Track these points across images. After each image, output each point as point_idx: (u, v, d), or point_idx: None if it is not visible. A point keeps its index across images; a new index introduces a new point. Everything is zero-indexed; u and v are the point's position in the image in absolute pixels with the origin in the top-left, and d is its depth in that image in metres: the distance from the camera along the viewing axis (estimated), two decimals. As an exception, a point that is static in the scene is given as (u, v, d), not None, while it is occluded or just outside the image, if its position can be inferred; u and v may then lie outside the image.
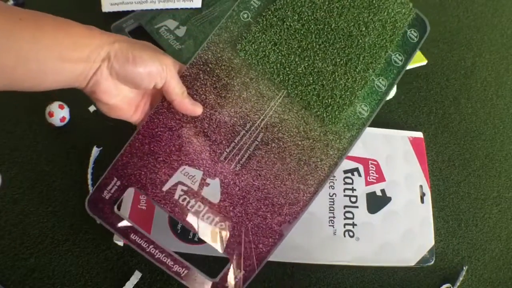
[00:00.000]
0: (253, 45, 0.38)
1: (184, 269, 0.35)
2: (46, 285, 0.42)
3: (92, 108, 0.52)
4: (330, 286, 0.45)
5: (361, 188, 0.47)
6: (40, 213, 0.45)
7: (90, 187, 0.46)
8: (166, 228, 0.42)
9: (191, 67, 0.37)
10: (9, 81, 0.28)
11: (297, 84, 0.37)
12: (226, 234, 0.35)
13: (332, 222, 0.45)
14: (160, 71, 0.32)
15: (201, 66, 0.37)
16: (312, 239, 0.44)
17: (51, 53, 0.28)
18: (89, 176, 0.47)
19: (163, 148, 0.36)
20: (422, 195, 0.48)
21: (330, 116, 0.37)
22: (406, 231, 0.45)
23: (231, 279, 0.35)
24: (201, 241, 0.42)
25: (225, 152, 0.36)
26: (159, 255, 0.35)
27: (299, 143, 0.37)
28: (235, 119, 0.37)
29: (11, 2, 0.56)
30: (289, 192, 0.36)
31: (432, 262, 0.44)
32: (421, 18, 0.40)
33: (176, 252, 0.36)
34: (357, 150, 0.49)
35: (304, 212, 0.36)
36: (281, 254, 0.43)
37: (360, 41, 0.38)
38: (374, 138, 0.50)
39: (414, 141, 0.51)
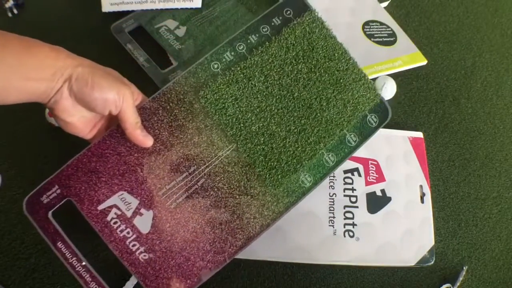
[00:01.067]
0: (215, 95, 0.39)
1: (99, 287, 0.36)
2: (46, 285, 0.42)
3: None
4: (330, 286, 0.45)
5: (361, 188, 0.47)
6: (40, 213, 0.45)
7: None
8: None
9: (152, 101, 0.39)
10: None
11: (247, 141, 0.38)
12: (147, 265, 0.36)
13: (332, 222, 0.45)
14: (115, 99, 0.34)
15: (162, 103, 0.39)
16: (312, 239, 0.44)
17: (15, 72, 0.30)
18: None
19: (107, 170, 0.37)
20: (422, 195, 0.48)
21: (272, 179, 0.38)
22: (406, 231, 0.45)
23: None
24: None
25: (164, 188, 0.37)
26: (79, 268, 0.36)
27: (237, 197, 0.38)
28: (181, 159, 0.38)
29: (11, 3, 0.56)
30: (216, 241, 0.37)
31: (432, 262, 0.44)
32: (385, 106, 0.41)
33: None
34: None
35: (227, 263, 0.37)
36: (281, 254, 0.43)
37: (318, 114, 0.39)
38: (374, 138, 0.50)
39: (414, 141, 0.51)
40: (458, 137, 0.55)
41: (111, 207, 0.37)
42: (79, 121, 0.36)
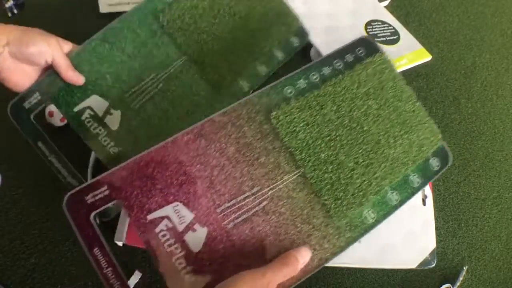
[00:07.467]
0: (287, 117, 0.38)
1: None
2: (46, 285, 0.42)
3: (92, 108, 0.52)
4: (330, 286, 0.45)
5: (361, 188, 0.47)
6: (40, 213, 0.45)
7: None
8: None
9: (223, 115, 0.37)
10: None
11: (315, 167, 0.37)
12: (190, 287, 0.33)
13: (332, 222, 0.44)
14: (47, 49, 0.39)
15: (232, 118, 0.37)
16: (313, 239, 0.43)
17: None
18: (89, 177, 0.47)
19: (165, 177, 0.35)
20: (424, 198, 0.48)
21: (337, 209, 0.36)
22: (407, 233, 0.45)
23: None
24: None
25: (223, 206, 0.35)
26: (113, 280, 0.33)
27: (298, 225, 0.36)
28: (245, 178, 0.36)
29: (11, 3, 0.56)
30: None
31: (434, 265, 0.44)
32: (446, 151, 0.41)
33: None
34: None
35: None
36: (282, 254, 0.42)
37: (386, 151, 0.39)
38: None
39: (414, 141, 0.51)
40: (458, 137, 0.55)
41: (162, 217, 0.34)
42: (21, 76, 0.41)
